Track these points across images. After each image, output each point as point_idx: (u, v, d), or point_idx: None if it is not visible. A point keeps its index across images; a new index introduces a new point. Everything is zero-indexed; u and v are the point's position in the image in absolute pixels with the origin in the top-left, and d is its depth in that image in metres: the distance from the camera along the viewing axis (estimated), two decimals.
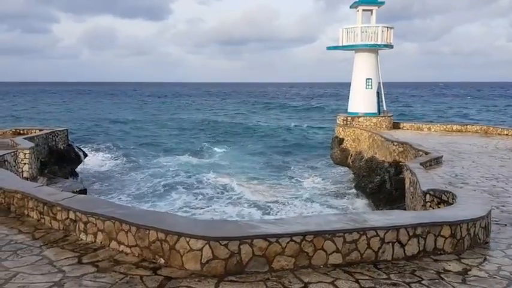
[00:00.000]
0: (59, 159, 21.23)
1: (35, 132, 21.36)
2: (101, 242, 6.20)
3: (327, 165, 27.28)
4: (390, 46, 24.62)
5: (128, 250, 5.83)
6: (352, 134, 24.20)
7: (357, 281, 5.03)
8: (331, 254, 5.45)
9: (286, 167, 27.59)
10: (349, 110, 25.90)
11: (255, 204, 19.02)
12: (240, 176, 24.64)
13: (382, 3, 24.90)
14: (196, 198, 20.21)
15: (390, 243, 5.64)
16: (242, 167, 27.77)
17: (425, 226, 5.84)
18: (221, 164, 29.03)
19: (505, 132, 22.38)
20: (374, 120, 24.39)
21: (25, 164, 15.49)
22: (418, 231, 5.79)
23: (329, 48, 26.70)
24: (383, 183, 17.79)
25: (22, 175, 14.99)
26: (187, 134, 45.71)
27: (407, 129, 25.01)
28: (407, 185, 12.32)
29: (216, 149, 36.07)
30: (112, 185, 21.94)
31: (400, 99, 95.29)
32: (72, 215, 6.64)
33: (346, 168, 24.32)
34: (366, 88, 24.83)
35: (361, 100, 25.03)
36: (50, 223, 7.07)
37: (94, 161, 27.03)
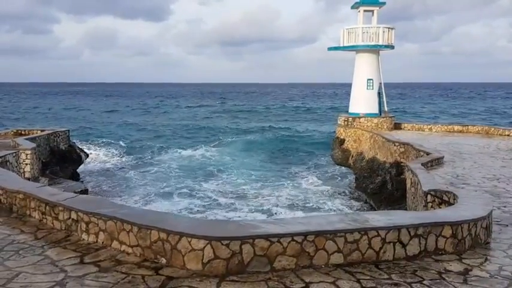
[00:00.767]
0: (60, 160, 21.28)
1: (37, 133, 21.41)
2: (103, 242, 6.21)
3: (327, 165, 27.27)
4: (391, 47, 24.63)
5: (129, 250, 5.85)
6: (353, 134, 24.20)
7: (358, 281, 5.04)
8: (333, 254, 5.46)
9: (286, 167, 27.60)
10: (350, 111, 25.92)
11: (254, 204, 19.04)
12: (241, 176, 24.67)
13: (383, 3, 24.91)
14: (197, 198, 20.25)
15: (391, 243, 5.65)
16: (243, 166, 27.80)
17: (427, 226, 5.85)
18: (223, 163, 29.11)
19: (507, 133, 22.36)
20: (375, 120, 24.39)
21: (27, 164, 15.54)
22: (420, 231, 5.79)
23: (330, 48, 26.73)
24: (384, 184, 17.80)
25: (24, 175, 15.03)
26: (189, 133, 45.96)
27: (409, 129, 25.01)
28: (408, 186, 12.33)
29: (217, 148, 36.32)
30: (113, 185, 21.97)
31: (401, 100, 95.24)
32: (74, 215, 6.66)
33: (347, 169, 24.32)
34: (367, 89, 24.84)
35: (362, 101, 25.04)
36: (52, 223, 7.08)
37: (95, 161, 27.08)
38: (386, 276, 5.20)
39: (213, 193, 21.13)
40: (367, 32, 24.25)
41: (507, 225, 7.49)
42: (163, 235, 5.49)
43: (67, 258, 5.78)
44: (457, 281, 5.08)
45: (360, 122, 24.57)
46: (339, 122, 25.78)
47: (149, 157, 30.79)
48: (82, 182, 20.97)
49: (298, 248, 5.35)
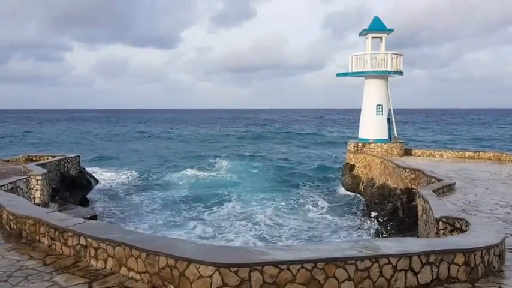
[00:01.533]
0: (70, 186, 21.38)
1: (48, 159, 21.61)
2: (111, 268, 6.18)
3: (337, 191, 27.07)
4: (400, 72, 24.74)
5: (137, 276, 5.81)
6: (363, 160, 24.11)
7: None
8: (343, 282, 5.37)
9: (294, 193, 27.41)
10: (359, 136, 25.89)
11: (262, 230, 18.87)
12: (247, 200, 24.59)
13: (391, 30, 25.16)
14: (205, 222, 20.16)
15: (403, 271, 5.55)
16: (250, 190, 27.71)
17: (439, 254, 5.75)
18: (231, 186, 29.10)
19: None
20: (385, 146, 24.31)
21: (37, 190, 15.63)
22: (431, 258, 5.69)
23: (339, 74, 26.91)
24: (395, 211, 17.59)
25: (34, 201, 15.11)
26: (198, 152, 46.42)
27: (419, 155, 24.86)
28: (420, 212, 12.17)
29: (225, 166, 36.72)
30: (122, 210, 21.92)
31: (411, 126, 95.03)
32: (83, 241, 6.65)
33: (358, 195, 24.12)
34: (377, 114, 24.86)
35: (372, 126, 25.04)
36: (61, 249, 7.08)
37: (105, 186, 27.12)
38: None
39: (220, 217, 21.04)
40: (375, 58, 24.43)
41: None
42: (171, 261, 5.46)
43: (75, 285, 5.76)
44: None
45: (369, 148, 24.50)
46: (348, 148, 25.73)
47: (157, 181, 30.82)
48: (91, 207, 20.98)
49: (308, 276, 5.27)
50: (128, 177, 31.86)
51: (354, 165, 24.66)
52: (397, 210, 17.48)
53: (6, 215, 8.71)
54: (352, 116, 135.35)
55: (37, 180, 15.63)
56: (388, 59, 24.22)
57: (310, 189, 28.05)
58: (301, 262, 5.29)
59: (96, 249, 6.41)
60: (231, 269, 5.15)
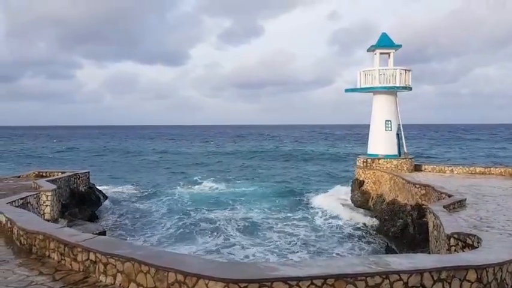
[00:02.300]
0: (79, 202, 21.48)
1: (57, 175, 21.77)
2: (120, 284, 6.18)
3: (346, 207, 26.90)
4: (409, 88, 24.73)
5: None
6: (372, 176, 23.98)
7: None
8: None
9: (303, 208, 27.30)
10: (368, 152, 25.79)
11: (271, 245, 18.79)
12: (255, 215, 24.56)
13: (399, 46, 25.24)
14: (213, 236, 20.15)
15: None
16: (257, 205, 27.69)
17: (450, 270, 5.68)
18: (238, 199, 29.14)
19: None
20: (394, 162, 24.18)
21: (47, 206, 15.71)
22: (443, 275, 5.62)
23: (347, 90, 26.97)
24: (406, 227, 17.41)
25: (44, 217, 15.18)
26: (207, 170, 46.53)
27: (429, 171, 24.68)
28: (430, 229, 12.05)
29: (235, 184, 36.72)
30: (131, 226, 21.94)
31: (421, 141, 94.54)
32: (92, 256, 6.67)
33: (367, 211, 23.94)
34: (386, 130, 24.80)
35: (381, 142, 24.95)
36: (71, 264, 7.09)
37: (114, 202, 27.19)
38: None
39: (229, 231, 21.05)
40: (383, 74, 24.47)
41: None
42: (180, 277, 5.44)
43: None
44: None
45: (379, 164, 24.38)
46: (357, 164, 25.63)
47: (166, 196, 30.88)
48: (100, 223, 21.02)
49: None
50: (138, 193, 31.94)
51: (363, 181, 24.53)
52: (408, 227, 17.31)
53: (17, 231, 8.76)
54: (359, 132, 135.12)
55: (47, 196, 15.73)
56: (396, 75, 24.24)
57: (317, 206, 27.93)
58: (311, 278, 5.25)
59: (105, 264, 6.42)
60: (240, 284, 5.13)
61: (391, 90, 24.65)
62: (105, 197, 26.13)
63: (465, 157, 62.74)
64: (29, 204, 14.21)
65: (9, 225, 9.50)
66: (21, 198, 13.71)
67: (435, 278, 5.58)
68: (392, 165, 24.06)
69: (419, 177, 21.14)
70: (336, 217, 23.59)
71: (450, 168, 24.62)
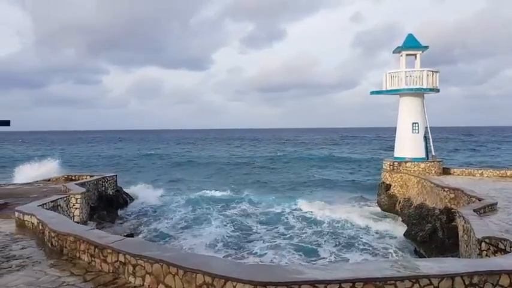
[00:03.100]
0: (107, 204, 21.87)
1: (86, 178, 22.23)
2: (149, 285, 6.25)
3: (373, 211, 26.56)
4: (436, 90, 24.31)
5: None
6: (399, 179, 23.64)
7: None
8: None
9: (329, 210, 27.08)
10: (395, 155, 25.43)
11: (295, 247, 18.73)
12: (280, 217, 24.49)
13: (426, 47, 24.87)
14: (241, 238, 20.20)
15: None
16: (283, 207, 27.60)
17: (482, 275, 5.54)
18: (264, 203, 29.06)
19: None
20: (422, 165, 23.77)
21: (76, 208, 16.05)
22: (475, 280, 5.50)
23: (372, 92, 26.68)
24: (434, 232, 17.08)
25: (73, 219, 15.49)
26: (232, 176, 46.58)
27: (458, 174, 24.16)
28: (460, 233, 11.80)
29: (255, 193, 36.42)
30: (158, 228, 22.16)
31: (449, 144, 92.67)
32: (121, 258, 6.77)
33: (394, 215, 23.59)
34: (413, 132, 24.42)
35: (408, 145, 24.58)
36: (100, 265, 7.22)
37: (141, 204, 27.48)
38: None
39: (256, 229, 21.13)
40: (410, 76, 24.13)
41: None
42: (208, 279, 5.48)
43: None
44: None
45: (406, 167, 24.02)
46: (384, 167, 25.31)
47: (191, 198, 31.05)
48: (128, 226, 21.31)
49: None
50: (164, 195, 32.19)
51: (390, 185, 24.20)
52: (436, 231, 16.98)
53: (48, 232, 8.97)
54: (385, 135, 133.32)
55: (76, 199, 16.07)
56: (423, 76, 23.88)
57: (344, 208, 27.66)
58: (339, 282, 5.21)
59: (134, 266, 6.51)
60: (268, 287, 5.12)
61: (418, 92, 24.28)
62: (132, 199, 26.50)
63: (494, 157, 61.23)
64: (59, 207, 14.54)
65: (40, 227, 9.75)
66: (51, 201, 14.04)
67: (467, 283, 5.46)
68: (420, 169, 23.67)
69: (447, 180, 20.73)
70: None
71: (480, 171, 24.03)
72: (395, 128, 25.84)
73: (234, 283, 5.26)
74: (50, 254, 8.44)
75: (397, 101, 25.54)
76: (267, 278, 5.28)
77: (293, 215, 25.17)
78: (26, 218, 10.90)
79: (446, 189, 17.44)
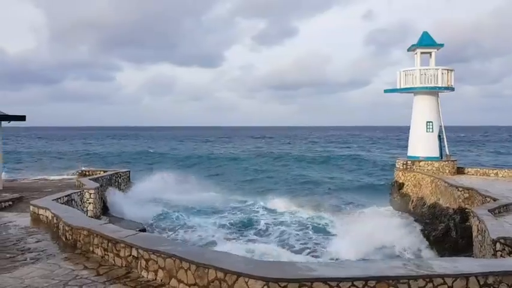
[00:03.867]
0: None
1: (100, 174, 22.43)
2: (161, 280, 6.29)
3: (385, 210, 26.40)
4: (451, 88, 24.04)
5: None
6: (412, 178, 23.44)
7: None
8: None
9: (339, 211, 26.99)
10: (409, 154, 25.21)
11: (304, 242, 18.79)
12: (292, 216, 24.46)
13: (441, 45, 24.58)
14: (253, 234, 20.26)
15: None
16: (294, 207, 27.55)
17: (498, 275, 5.46)
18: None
19: None
20: (436, 164, 23.53)
21: (90, 203, 16.20)
22: (490, 280, 5.42)
23: (386, 91, 26.48)
24: (448, 231, 16.94)
25: (87, 214, 15.64)
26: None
27: (473, 174, 23.86)
28: (474, 233, 11.67)
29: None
30: (170, 224, 22.27)
31: (463, 143, 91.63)
32: (134, 252, 6.82)
33: (407, 214, 23.41)
34: (427, 131, 24.18)
35: (422, 144, 24.34)
36: (114, 259, 7.28)
37: (154, 200, 27.58)
38: None
39: (269, 228, 21.17)
40: (425, 74, 23.88)
41: None
42: (220, 274, 5.49)
43: None
44: None
45: (419, 166, 23.80)
46: (397, 166, 25.12)
47: (203, 193, 31.08)
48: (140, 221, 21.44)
49: None
50: (175, 190, 32.13)
51: (403, 184, 24.01)
52: (450, 231, 16.83)
53: (63, 226, 9.07)
54: (397, 134, 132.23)
55: (90, 194, 16.22)
56: (438, 75, 23.62)
57: (354, 208, 27.56)
58: (352, 280, 5.18)
59: (147, 260, 6.55)
60: (280, 283, 5.12)
61: (433, 91, 24.03)
62: None
63: (509, 157, 60.31)
64: (73, 202, 14.69)
65: (55, 221, 9.86)
66: (65, 196, 14.19)
67: (481, 283, 5.38)
68: (434, 168, 23.44)
69: (462, 180, 20.51)
70: None
71: (495, 171, 23.71)
72: (408, 127, 25.62)
73: (246, 279, 5.27)
74: (64, 247, 8.54)
75: (411, 99, 25.31)
76: (279, 274, 5.27)
77: None
78: (41, 212, 11.04)
79: (460, 189, 17.26)
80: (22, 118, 18.66)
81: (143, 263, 6.63)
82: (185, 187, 29.59)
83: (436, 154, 24.12)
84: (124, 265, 7.05)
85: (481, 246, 10.52)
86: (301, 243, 19.24)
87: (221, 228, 21.74)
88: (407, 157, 25.13)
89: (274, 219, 23.95)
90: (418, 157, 24.23)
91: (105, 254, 7.55)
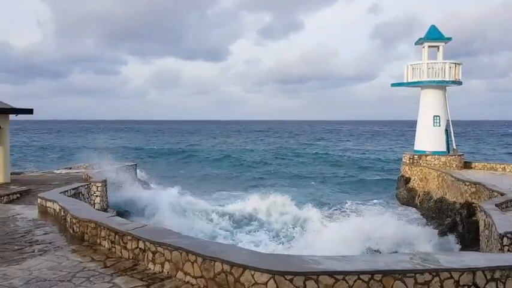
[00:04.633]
0: None
1: (107, 167, 22.48)
2: (168, 272, 6.33)
3: (391, 204, 26.35)
4: (459, 82, 23.88)
5: (193, 281, 5.91)
6: (419, 173, 23.37)
7: None
8: None
9: (345, 203, 26.95)
10: (415, 148, 25.13)
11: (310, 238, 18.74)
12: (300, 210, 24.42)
13: (449, 39, 24.40)
14: (262, 230, 20.25)
15: (466, 287, 5.29)
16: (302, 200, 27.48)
17: (505, 269, 5.43)
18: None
19: None
20: (443, 159, 23.43)
21: (97, 196, 16.30)
22: (497, 274, 5.39)
23: (393, 85, 26.36)
24: (454, 226, 16.90)
25: (94, 207, 15.73)
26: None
27: (480, 169, 23.74)
28: (481, 228, 11.63)
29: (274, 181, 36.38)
30: (176, 218, 22.31)
31: (470, 138, 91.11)
32: (141, 245, 6.86)
33: (413, 209, 23.36)
34: (434, 126, 24.07)
35: (429, 138, 24.25)
36: (121, 252, 7.33)
37: (160, 193, 27.64)
38: None
39: (275, 224, 21.20)
40: (432, 68, 23.74)
41: None
42: (226, 267, 5.51)
43: (134, 287, 5.94)
44: None
45: (426, 160, 23.72)
46: (403, 160, 25.04)
47: (218, 190, 31.17)
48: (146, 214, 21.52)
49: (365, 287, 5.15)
50: (181, 184, 32.24)
51: (409, 178, 23.96)
52: (456, 225, 16.79)
53: (70, 219, 9.13)
54: (403, 128, 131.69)
55: (97, 187, 16.32)
56: (446, 69, 23.47)
57: (361, 201, 27.48)
58: (358, 273, 5.17)
59: (154, 253, 6.59)
60: (286, 276, 5.12)
61: (440, 85, 23.88)
62: (151, 188, 26.71)
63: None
64: (80, 194, 14.79)
65: (62, 213, 9.93)
66: (73, 189, 14.29)
67: (488, 278, 5.36)
68: (441, 162, 23.35)
69: (469, 174, 20.42)
70: None
71: (502, 166, 23.57)
72: (415, 121, 25.51)
73: (252, 272, 5.28)
74: (72, 239, 8.60)
75: (418, 93, 25.17)
76: (285, 267, 5.28)
77: None
78: (48, 204, 11.11)
79: (467, 183, 17.19)
80: (29, 111, 18.75)
81: (150, 255, 6.66)
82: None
83: (443, 148, 24.02)
84: (131, 257, 7.09)
85: (487, 240, 10.49)
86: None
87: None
88: (414, 151, 25.04)
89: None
90: (425, 151, 24.15)
91: (112, 247, 7.59)
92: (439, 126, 24.06)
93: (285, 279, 5.12)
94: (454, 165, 23.16)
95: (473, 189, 16.67)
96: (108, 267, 6.85)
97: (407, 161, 24.46)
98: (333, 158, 55.21)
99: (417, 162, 23.95)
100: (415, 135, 25.60)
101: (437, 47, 24.49)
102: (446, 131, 24.18)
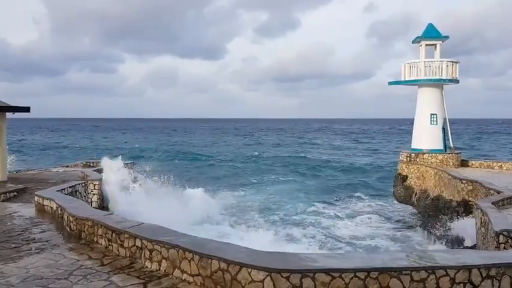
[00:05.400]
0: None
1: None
2: (165, 270, 6.34)
3: (388, 202, 26.44)
4: (456, 81, 23.89)
5: (190, 279, 5.92)
6: (416, 171, 23.39)
7: None
8: None
9: (344, 203, 27.03)
10: (412, 146, 25.14)
11: (309, 235, 18.82)
12: (296, 208, 24.48)
13: (447, 37, 24.40)
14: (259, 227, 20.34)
15: (461, 284, 5.32)
16: (299, 198, 27.57)
17: (500, 267, 5.47)
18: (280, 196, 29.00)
19: None
20: (440, 157, 23.46)
21: (94, 194, 16.27)
22: (492, 272, 5.42)
23: (391, 83, 26.36)
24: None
25: (91, 205, 15.72)
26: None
27: (477, 167, 23.77)
28: (478, 226, 11.66)
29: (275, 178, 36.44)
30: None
31: (467, 136, 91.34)
32: (138, 243, 6.87)
33: (410, 207, 23.45)
34: (431, 124, 24.08)
35: (426, 136, 24.26)
36: (118, 250, 7.33)
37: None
38: None
39: (271, 223, 21.21)
40: (429, 66, 23.73)
41: None
42: (223, 265, 5.52)
43: (131, 285, 5.95)
44: None
45: (423, 158, 23.74)
46: (400, 158, 25.06)
47: (218, 188, 31.17)
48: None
49: (361, 285, 5.17)
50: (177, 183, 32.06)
51: (406, 176, 23.98)
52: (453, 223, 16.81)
53: (67, 217, 9.13)
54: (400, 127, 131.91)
55: (94, 185, 16.29)
56: (443, 67, 23.47)
57: (358, 200, 27.58)
58: (354, 271, 5.19)
59: (151, 251, 6.59)
60: (282, 274, 5.14)
61: (437, 83, 23.90)
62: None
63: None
64: (77, 193, 14.76)
65: (59, 211, 9.92)
66: (70, 187, 14.26)
67: (484, 275, 5.39)
68: (438, 160, 23.37)
69: (465, 172, 20.45)
70: None
71: (499, 164, 23.61)
72: (412, 119, 25.53)
73: (249, 269, 5.30)
74: (69, 237, 8.59)
75: (416, 92, 25.18)
76: (282, 265, 5.29)
77: None
78: (46, 202, 11.10)
79: (464, 182, 17.24)
80: (26, 109, 18.69)
81: (147, 253, 6.67)
82: None
83: (440, 147, 24.05)
84: (128, 255, 7.10)
85: (484, 238, 10.52)
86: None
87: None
88: (411, 149, 25.07)
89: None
90: (421, 149, 24.17)
91: (109, 245, 7.60)
92: (436, 124, 24.08)
93: (282, 276, 5.14)
94: (451, 163, 23.20)
95: (470, 187, 16.71)
96: (105, 265, 6.85)
97: (405, 159, 24.48)
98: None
99: (414, 160, 23.97)
100: (412, 133, 25.62)
101: (435, 45, 24.48)
102: (443, 129, 24.20)
